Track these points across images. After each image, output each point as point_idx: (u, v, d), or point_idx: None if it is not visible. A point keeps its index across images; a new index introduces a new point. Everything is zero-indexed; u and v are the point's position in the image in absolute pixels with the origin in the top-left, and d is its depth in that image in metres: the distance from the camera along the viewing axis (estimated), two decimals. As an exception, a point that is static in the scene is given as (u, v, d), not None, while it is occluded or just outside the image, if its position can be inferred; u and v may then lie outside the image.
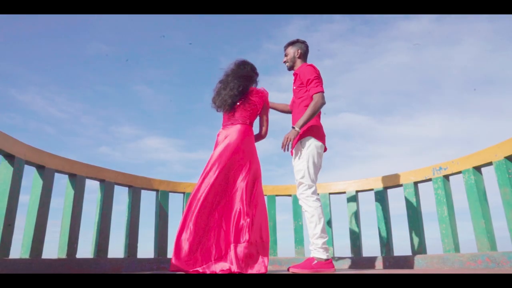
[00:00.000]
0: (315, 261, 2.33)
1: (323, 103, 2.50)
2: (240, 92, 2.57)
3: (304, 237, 3.64)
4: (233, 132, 2.53)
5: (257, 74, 2.78)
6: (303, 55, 2.75)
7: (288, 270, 2.39)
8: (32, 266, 2.34)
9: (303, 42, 2.78)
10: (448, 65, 7.11)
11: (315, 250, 2.36)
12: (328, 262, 2.34)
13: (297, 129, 2.47)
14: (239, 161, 2.47)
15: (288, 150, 2.48)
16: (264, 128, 2.71)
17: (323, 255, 2.34)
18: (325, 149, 2.64)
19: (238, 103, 2.59)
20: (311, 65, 2.61)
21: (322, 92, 2.50)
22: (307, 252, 3.57)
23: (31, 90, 7.14)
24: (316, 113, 2.50)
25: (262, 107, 2.67)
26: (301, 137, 2.54)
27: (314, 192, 2.47)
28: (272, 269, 3.49)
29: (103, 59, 7.25)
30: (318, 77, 2.55)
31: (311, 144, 2.51)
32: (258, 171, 2.56)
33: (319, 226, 2.37)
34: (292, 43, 2.78)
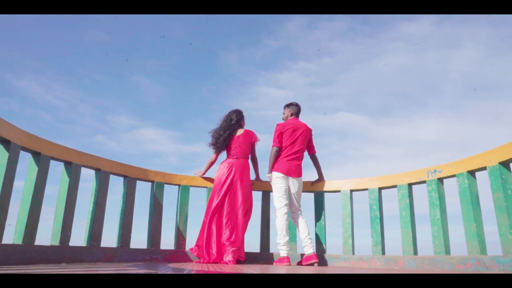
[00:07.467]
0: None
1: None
2: (228, 135, 3.59)
3: (297, 234, 3.66)
4: (238, 164, 3.52)
5: (243, 118, 3.78)
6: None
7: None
8: (25, 252, 2.34)
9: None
10: (447, 68, 7.13)
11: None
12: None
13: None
14: (241, 188, 3.46)
15: None
16: (254, 156, 3.75)
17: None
18: (287, 173, 3.41)
19: (232, 143, 3.58)
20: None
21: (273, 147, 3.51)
22: (300, 249, 3.61)
23: (28, 76, 7.07)
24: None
25: (252, 144, 3.69)
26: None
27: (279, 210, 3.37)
28: (265, 264, 3.51)
29: (102, 47, 7.19)
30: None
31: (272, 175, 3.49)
32: (251, 204, 3.59)
33: None
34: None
